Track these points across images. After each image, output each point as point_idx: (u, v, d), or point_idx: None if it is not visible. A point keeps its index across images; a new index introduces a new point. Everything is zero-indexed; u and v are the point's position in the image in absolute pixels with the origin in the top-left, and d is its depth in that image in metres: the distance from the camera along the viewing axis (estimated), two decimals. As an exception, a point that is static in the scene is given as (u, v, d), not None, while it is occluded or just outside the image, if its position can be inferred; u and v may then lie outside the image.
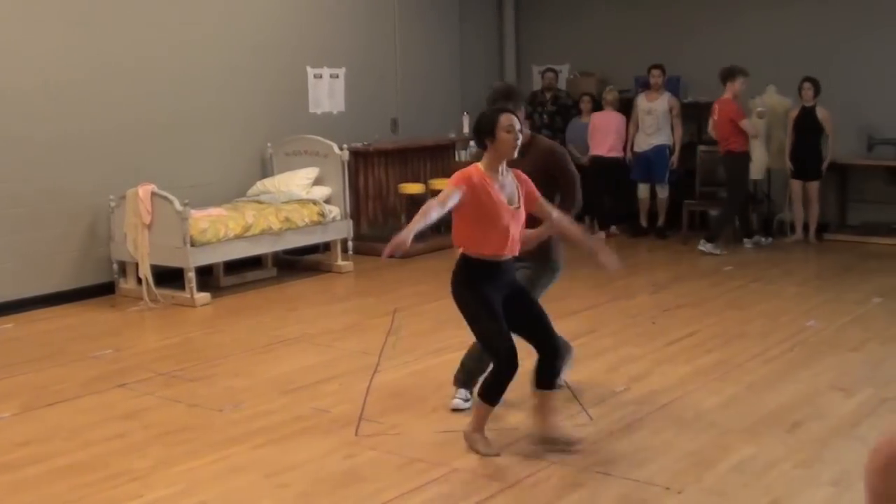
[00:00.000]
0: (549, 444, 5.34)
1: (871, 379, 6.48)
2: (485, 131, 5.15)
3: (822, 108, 11.16)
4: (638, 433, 5.60)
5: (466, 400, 5.86)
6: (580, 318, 8.26)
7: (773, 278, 9.75)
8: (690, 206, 11.85)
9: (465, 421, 5.51)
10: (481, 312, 5.15)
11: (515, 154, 5.17)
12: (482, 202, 5.06)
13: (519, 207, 5.21)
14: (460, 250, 5.22)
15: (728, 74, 10.93)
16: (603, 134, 12.22)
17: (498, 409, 5.75)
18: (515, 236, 5.19)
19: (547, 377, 5.30)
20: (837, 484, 4.83)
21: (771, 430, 5.61)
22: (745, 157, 11.07)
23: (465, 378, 5.90)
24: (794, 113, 11.29)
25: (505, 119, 5.13)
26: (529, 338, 5.22)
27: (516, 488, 4.88)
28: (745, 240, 11.37)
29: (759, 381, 6.49)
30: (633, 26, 13.13)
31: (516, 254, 5.26)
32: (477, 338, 5.30)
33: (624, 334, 7.75)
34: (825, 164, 11.21)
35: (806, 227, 11.50)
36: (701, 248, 10.98)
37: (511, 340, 5.11)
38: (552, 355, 5.29)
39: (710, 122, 11.27)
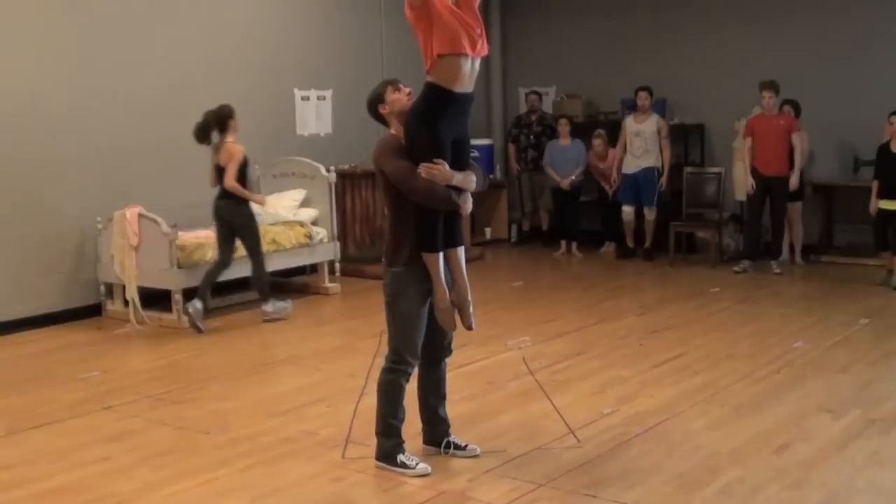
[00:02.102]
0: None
1: (859, 400, 6.49)
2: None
3: (800, 130, 11.20)
4: (626, 455, 5.59)
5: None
6: (568, 339, 8.26)
7: (759, 300, 9.77)
8: (677, 228, 11.87)
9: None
10: None
11: None
12: None
13: None
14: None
15: None
16: None
17: (487, 432, 5.79)
18: None
19: None
20: (825, 506, 4.84)
21: (758, 452, 5.60)
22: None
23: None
24: None
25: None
26: None
27: (504, 511, 4.87)
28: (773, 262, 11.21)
29: (746, 402, 6.50)
30: (618, 49, 13.20)
31: None
32: None
33: (611, 356, 7.75)
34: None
35: (792, 249, 11.51)
36: (776, 270, 11.04)
37: None
38: None
39: None
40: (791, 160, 10.94)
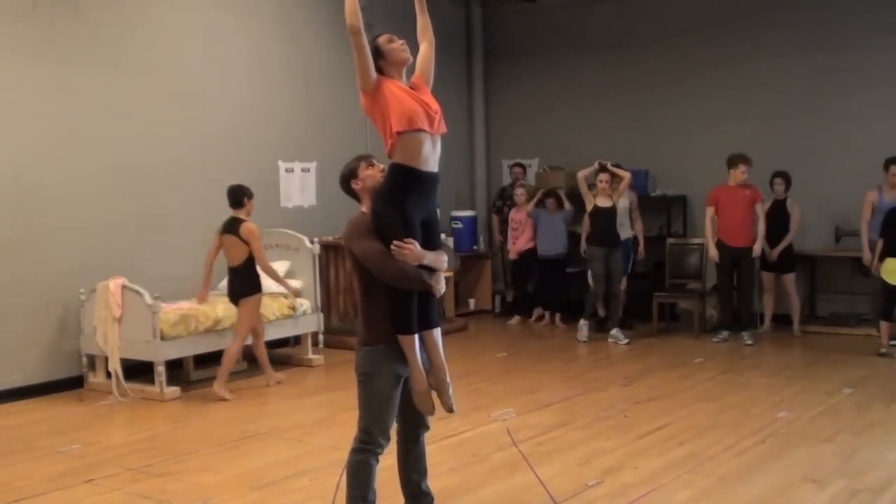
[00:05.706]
0: None
1: (844, 470, 6.48)
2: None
3: (791, 202, 11.30)
4: (611, 527, 5.56)
5: None
6: (552, 410, 8.24)
7: (743, 370, 9.78)
8: (660, 298, 11.89)
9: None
10: None
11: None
12: None
13: None
14: None
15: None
16: None
17: None
18: None
19: None
20: (812, 577, 4.81)
21: (744, 523, 5.59)
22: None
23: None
24: (767, 206, 11.39)
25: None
26: None
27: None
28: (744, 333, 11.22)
29: (731, 473, 6.48)
30: (600, 121, 13.34)
31: None
32: None
33: (596, 427, 7.72)
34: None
35: (775, 319, 11.55)
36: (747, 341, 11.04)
37: None
38: None
39: None
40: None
